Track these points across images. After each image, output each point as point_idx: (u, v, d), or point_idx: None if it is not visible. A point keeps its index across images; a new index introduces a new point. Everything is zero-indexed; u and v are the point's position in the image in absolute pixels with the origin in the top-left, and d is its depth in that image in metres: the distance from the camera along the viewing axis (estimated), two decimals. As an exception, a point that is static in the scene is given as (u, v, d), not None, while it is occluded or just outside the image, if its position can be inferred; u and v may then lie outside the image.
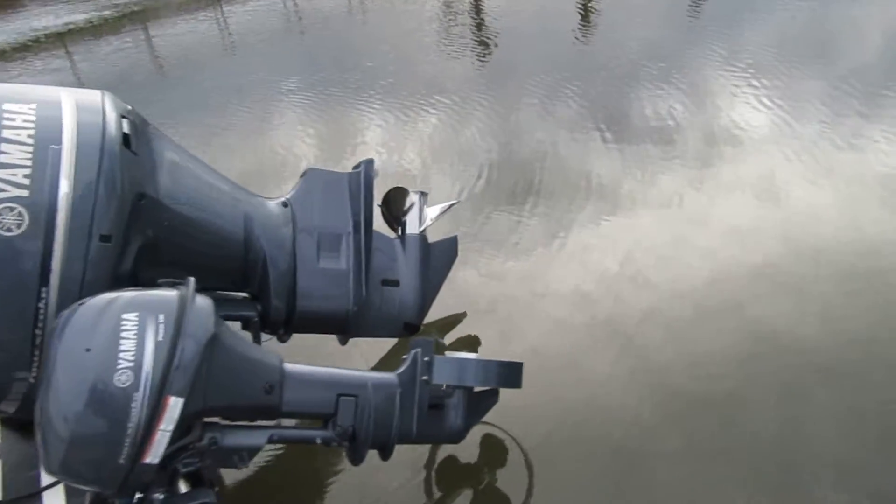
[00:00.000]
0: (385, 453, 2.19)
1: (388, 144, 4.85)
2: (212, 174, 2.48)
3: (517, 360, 2.38)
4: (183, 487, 1.94)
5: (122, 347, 1.63)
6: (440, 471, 2.60)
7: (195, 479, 1.97)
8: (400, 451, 2.20)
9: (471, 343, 3.14)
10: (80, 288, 1.98)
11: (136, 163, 2.15)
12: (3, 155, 1.90)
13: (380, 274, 2.75)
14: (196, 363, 1.72)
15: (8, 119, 1.95)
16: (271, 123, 5.34)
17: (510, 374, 2.43)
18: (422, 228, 2.92)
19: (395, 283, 2.79)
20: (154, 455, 1.66)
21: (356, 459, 2.12)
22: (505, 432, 2.67)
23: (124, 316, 1.67)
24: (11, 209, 1.88)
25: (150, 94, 5.90)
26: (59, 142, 1.98)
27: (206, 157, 2.56)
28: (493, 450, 2.64)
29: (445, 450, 2.63)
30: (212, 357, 1.78)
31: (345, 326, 2.69)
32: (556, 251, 3.65)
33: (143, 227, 2.19)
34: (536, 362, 2.74)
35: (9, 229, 1.87)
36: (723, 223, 3.66)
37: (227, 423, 1.92)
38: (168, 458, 1.71)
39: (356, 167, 2.74)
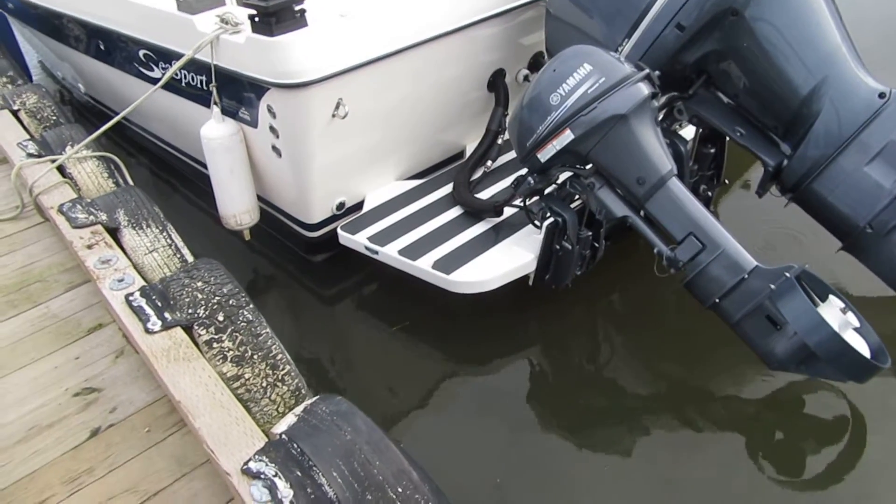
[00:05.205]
0: (703, 303, 2.38)
1: None
2: (830, 31, 2.50)
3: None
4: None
5: (566, 82, 2.39)
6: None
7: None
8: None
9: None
10: (645, 50, 2.66)
11: None
12: None
13: None
14: (595, 122, 2.36)
15: None
16: None
17: (854, 366, 2.12)
18: None
19: None
20: (543, 155, 2.47)
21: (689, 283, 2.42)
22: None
23: (585, 64, 2.38)
24: None
25: None
26: None
27: None
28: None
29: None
30: (612, 128, 2.35)
31: (845, 236, 2.55)
32: None
33: (719, 37, 2.59)
34: None
35: None
36: None
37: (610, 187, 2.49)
38: (550, 164, 2.48)
39: None
